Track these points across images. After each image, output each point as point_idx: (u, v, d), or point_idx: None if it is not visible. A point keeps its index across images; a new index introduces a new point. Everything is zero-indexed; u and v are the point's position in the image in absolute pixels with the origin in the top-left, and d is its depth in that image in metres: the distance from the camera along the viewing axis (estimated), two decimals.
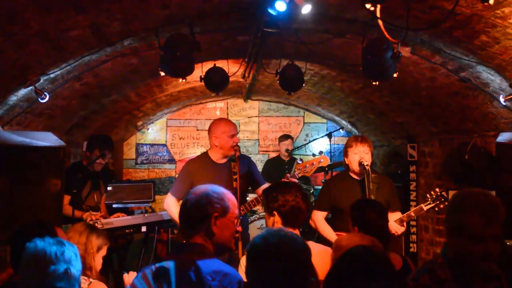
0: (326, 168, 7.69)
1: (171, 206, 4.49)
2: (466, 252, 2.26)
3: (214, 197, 2.45)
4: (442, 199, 4.40)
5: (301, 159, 4.80)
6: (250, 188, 4.77)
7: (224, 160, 4.54)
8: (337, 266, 1.92)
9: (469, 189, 2.40)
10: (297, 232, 3.07)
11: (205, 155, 4.65)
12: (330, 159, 8.44)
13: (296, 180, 4.24)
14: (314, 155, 8.86)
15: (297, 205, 3.09)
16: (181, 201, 4.49)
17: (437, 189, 4.48)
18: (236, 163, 4.43)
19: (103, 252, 3.25)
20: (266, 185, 4.73)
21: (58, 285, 2.15)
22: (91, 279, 3.04)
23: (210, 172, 4.43)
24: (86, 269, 3.09)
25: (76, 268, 2.24)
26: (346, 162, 4.56)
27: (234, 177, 4.39)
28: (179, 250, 2.47)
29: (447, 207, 2.48)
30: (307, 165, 4.42)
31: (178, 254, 2.41)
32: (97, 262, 3.20)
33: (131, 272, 3.22)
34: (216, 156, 4.55)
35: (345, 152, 4.57)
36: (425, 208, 4.41)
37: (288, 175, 4.39)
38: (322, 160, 4.47)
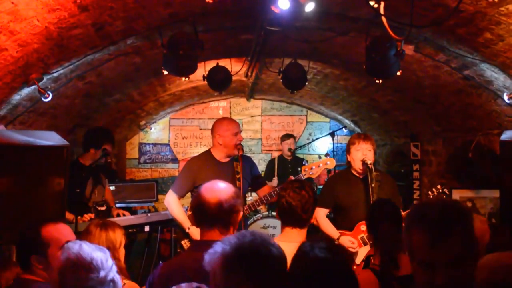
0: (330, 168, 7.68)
1: (171, 203, 4.50)
2: (418, 282, 1.77)
3: (239, 195, 2.54)
4: (444, 196, 4.41)
5: (306, 161, 4.80)
6: (250, 188, 4.78)
7: (227, 159, 4.54)
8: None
9: (427, 200, 1.99)
10: (303, 231, 3.04)
11: (208, 153, 4.63)
12: (333, 158, 8.43)
13: None
14: (319, 156, 8.84)
15: (288, 203, 3.05)
16: (181, 199, 4.53)
17: (438, 186, 4.48)
18: (238, 162, 4.45)
19: (123, 243, 3.22)
20: (267, 186, 4.74)
21: None
22: (124, 281, 3.02)
23: (213, 171, 4.41)
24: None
25: (118, 276, 2.26)
26: (349, 159, 4.56)
27: (237, 176, 4.40)
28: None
29: None
30: (313, 167, 4.40)
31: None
32: (121, 257, 3.18)
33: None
34: (220, 155, 4.54)
35: (347, 149, 4.56)
36: None
37: (292, 177, 4.38)
38: (328, 162, 4.45)
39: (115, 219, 4.76)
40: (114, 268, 2.27)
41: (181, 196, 4.52)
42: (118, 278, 2.27)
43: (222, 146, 4.51)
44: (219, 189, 2.51)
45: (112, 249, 3.06)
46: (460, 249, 1.67)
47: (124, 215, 5.33)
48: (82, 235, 3.20)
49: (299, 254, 1.93)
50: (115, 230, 3.18)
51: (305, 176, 4.42)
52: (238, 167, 4.43)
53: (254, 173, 4.70)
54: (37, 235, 2.63)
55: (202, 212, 2.47)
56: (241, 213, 2.54)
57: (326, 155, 7.71)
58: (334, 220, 4.63)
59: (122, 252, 3.18)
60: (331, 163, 4.48)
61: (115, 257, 3.06)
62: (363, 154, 4.39)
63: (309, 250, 1.91)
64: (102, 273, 2.17)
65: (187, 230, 4.36)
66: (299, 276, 1.86)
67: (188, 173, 4.55)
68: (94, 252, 2.22)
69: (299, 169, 4.49)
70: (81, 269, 2.16)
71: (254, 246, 1.82)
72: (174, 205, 4.48)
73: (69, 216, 4.48)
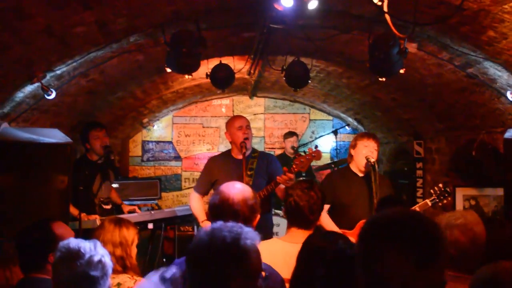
0: (333, 166, 7.68)
1: (191, 199, 4.71)
2: None
3: (257, 198, 2.61)
4: (446, 195, 4.47)
5: (300, 154, 4.74)
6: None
7: (241, 156, 4.60)
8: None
9: (389, 212, 1.57)
10: (309, 233, 2.96)
11: (228, 151, 4.83)
12: (336, 156, 8.42)
13: (292, 176, 4.20)
14: (305, 152, 8.82)
15: (296, 202, 3.05)
16: (204, 196, 4.69)
17: (440, 185, 4.53)
18: (255, 159, 4.59)
19: (136, 242, 3.26)
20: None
21: (92, 274, 2.20)
22: (135, 277, 3.05)
23: (227, 167, 4.58)
24: (126, 264, 3.11)
25: (109, 261, 2.30)
26: (352, 154, 4.56)
27: (249, 173, 4.46)
28: None
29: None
30: (302, 160, 4.38)
31: None
32: (133, 254, 3.21)
33: None
34: (235, 152, 4.68)
35: (353, 144, 4.55)
36: (429, 204, 4.46)
37: (286, 168, 4.37)
38: (314, 155, 4.42)
39: (126, 216, 4.79)
40: (104, 254, 2.30)
41: (201, 193, 4.72)
42: (108, 263, 2.29)
43: (232, 143, 4.67)
44: (242, 188, 2.56)
45: (124, 245, 3.14)
46: (440, 274, 1.47)
47: (135, 211, 5.43)
48: (95, 230, 3.27)
49: (335, 254, 1.92)
50: (129, 228, 3.24)
51: (296, 169, 4.37)
52: (254, 164, 4.52)
53: (271, 171, 4.68)
54: (52, 232, 2.69)
55: (225, 207, 2.46)
56: (259, 216, 2.55)
57: (316, 147, 7.64)
58: (331, 217, 4.61)
59: (134, 250, 3.23)
60: (317, 155, 4.40)
61: (127, 253, 3.13)
62: (369, 151, 4.42)
63: (347, 248, 1.91)
64: (87, 256, 2.21)
65: (201, 224, 4.49)
66: (342, 275, 1.86)
67: (205, 171, 4.76)
68: (82, 243, 2.29)
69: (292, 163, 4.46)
70: (71, 259, 2.21)
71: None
72: (194, 201, 4.67)
73: (73, 211, 4.50)
